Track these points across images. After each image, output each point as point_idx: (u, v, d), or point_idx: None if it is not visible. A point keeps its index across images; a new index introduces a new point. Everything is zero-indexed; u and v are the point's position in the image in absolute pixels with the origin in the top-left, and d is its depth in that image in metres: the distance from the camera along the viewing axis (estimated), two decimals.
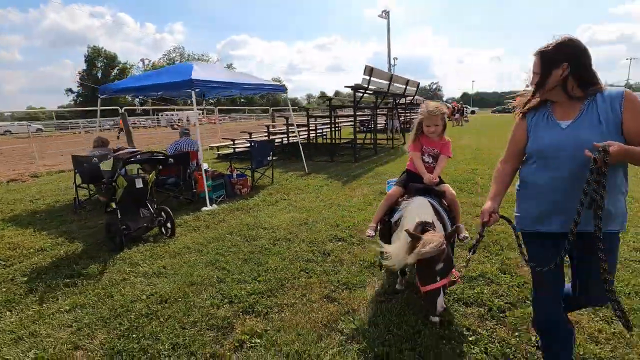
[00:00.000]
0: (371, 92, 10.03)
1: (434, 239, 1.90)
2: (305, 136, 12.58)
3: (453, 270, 2.01)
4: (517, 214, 1.84)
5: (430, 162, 2.76)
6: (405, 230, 2.04)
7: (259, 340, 2.34)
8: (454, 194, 2.65)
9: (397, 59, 53.22)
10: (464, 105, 32.30)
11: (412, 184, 2.66)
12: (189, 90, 5.90)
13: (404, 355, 2.12)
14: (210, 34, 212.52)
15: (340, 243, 3.98)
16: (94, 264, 3.61)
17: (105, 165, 4.25)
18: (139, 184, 4.25)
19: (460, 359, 2.12)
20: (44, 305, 2.88)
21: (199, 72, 6.07)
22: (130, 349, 2.28)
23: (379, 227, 2.84)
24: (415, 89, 13.82)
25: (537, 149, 1.67)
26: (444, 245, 1.91)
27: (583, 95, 1.59)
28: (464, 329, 2.40)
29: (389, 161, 9.85)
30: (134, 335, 2.42)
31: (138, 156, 4.34)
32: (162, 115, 36.65)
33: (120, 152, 4.70)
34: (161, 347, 2.29)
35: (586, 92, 1.58)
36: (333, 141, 10.80)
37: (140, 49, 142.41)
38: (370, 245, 3.66)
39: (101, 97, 7.19)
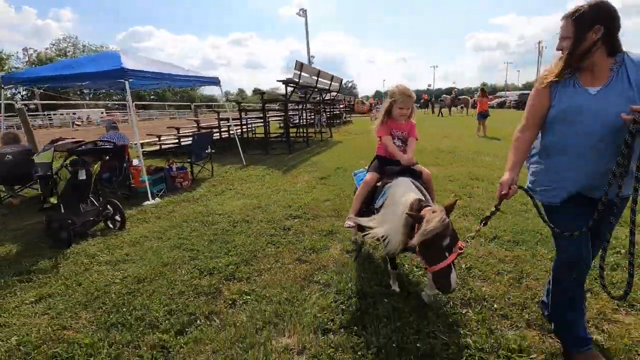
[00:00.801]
0: (301, 86, 10.52)
1: (435, 214, 1.83)
2: (239, 131, 12.54)
3: (458, 242, 1.87)
4: (543, 187, 1.80)
5: (400, 145, 2.69)
6: (407, 214, 1.95)
7: (249, 297, 2.63)
8: (429, 173, 2.62)
9: (314, 57, 54.94)
10: (380, 102, 35.04)
11: (389, 167, 2.57)
12: (122, 81, 5.62)
13: (373, 289, 2.63)
14: (107, 24, 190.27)
15: (296, 220, 4.37)
16: (42, 260, 3.39)
17: (44, 157, 3.93)
18: (82, 175, 4.04)
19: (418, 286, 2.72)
20: (3, 300, 2.70)
21: (127, 62, 5.80)
22: (124, 321, 2.37)
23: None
24: (338, 84, 14.75)
25: (565, 115, 1.64)
26: (447, 219, 1.84)
27: (612, 61, 1.58)
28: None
29: (321, 152, 10.47)
30: (124, 309, 2.50)
31: (83, 146, 4.10)
32: (55, 114, 32.03)
33: (61, 142, 4.33)
34: (157, 314, 2.42)
35: (614, 57, 1.58)
36: (267, 135, 11.02)
37: (17, 36, 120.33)
38: (356, 234, 3.37)
39: (5, 88, 6.31)
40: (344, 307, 2.44)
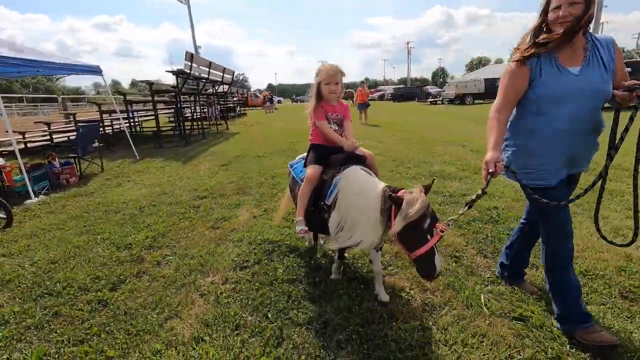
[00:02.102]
0: (193, 78, 10.44)
1: (416, 196, 1.74)
2: (126, 125, 11.67)
3: (437, 224, 1.75)
4: (530, 170, 1.79)
5: (336, 129, 2.45)
6: (388, 196, 1.83)
7: (172, 257, 3.03)
8: (372, 154, 2.43)
9: (200, 47, 52.20)
10: (272, 95, 35.76)
11: (334, 156, 2.31)
12: None
13: (278, 237, 3.32)
14: None
15: (204, 199, 4.75)
16: None
17: None
18: None
19: None
20: None
21: None
22: (51, 291, 2.53)
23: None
24: (231, 77, 14.87)
25: (551, 96, 1.63)
26: (427, 200, 1.75)
27: (584, 41, 1.62)
28: None
29: (218, 143, 10.63)
30: (47, 283, 2.63)
31: None
32: None
33: None
34: (83, 281, 2.65)
35: (585, 37, 1.62)
36: (159, 128, 10.59)
37: None
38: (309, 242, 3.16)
39: None
40: (255, 251, 3.06)
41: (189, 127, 11.46)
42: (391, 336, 1.93)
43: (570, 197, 1.82)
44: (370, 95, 36.10)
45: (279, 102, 45.77)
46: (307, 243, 3.19)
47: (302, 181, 2.41)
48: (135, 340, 2.00)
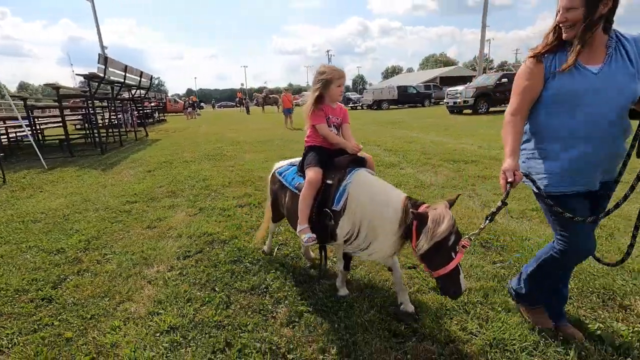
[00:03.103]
0: (107, 82, 9.86)
1: (442, 213, 1.66)
2: (23, 133, 10.45)
3: (461, 239, 1.70)
4: (547, 174, 1.66)
5: (336, 133, 2.36)
6: (412, 213, 1.73)
7: (112, 255, 3.15)
8: (372, 157, 2.35)
9: (107, 48, 47.84)
10: (195, 100, 34.45)
11: (339, 159, 2.22)
12: None
13: (216, 229, 3.63)
14: None
15: (135, 204, 4.76)
16: None
17: None
18: None
19: None
20: None
21: None
22: None
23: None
24: (148, 81, 14.20)
25: (567, 96, 1.54)
26: (452, 216, 1.68)
27: (606, 38, 1.51)
28: None
29: (140, 150, 10.18)
30: None
31: None
32: None
33: None
34: (19, 284, 2.65)
35: (607, 34, 1.52)
36: (67, 136, 9.71)
37: None
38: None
39: None
40: (196, 242, 3.34)
41: (104, 134, 10.72)
42: (319, 289, 2.45)
43: (599, 215, 1.66)
44: (295, 101, 37.13)
45: (200, 107, 44.03)
46: (304, 258, 2.91)
47: (295, 188, 2.31)
48: (92, 322, 2.19)
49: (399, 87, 28.70)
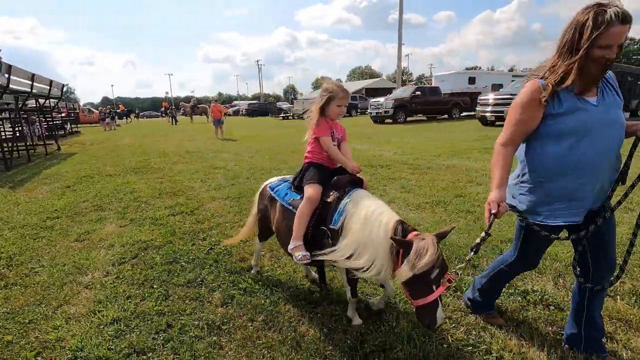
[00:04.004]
0: (11, 92, 9.01)
1: (427, 245, 1.64)
2: None
3: (446, 273, 1.71)
4: (543, 208, 1.70)
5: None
6: (392, 239, 1.76)
7: (40, 269, 3.18)
8: (366, 181, 2.36)
9: (0, 49, 42.29)
10: (112, 110, 31.96)
11: (338, 178, 2.20)
12: None
13: (148, 237, 3.82)
14: None
15: (58, 219, 4.63)
16: None
17: None
18: None
19: None
20: None
21: None
22: None
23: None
24: (59, 90, 13.12)
25: (573, 128, 1.56)
26: (439, 249, 1.68)
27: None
28: None
29: (53, 165, 9.42)
30: None
31: None
32: None
33: None
34: None
35: None
36: None
37: None
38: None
39: None
40: (131, 249, 3.52)
41: (7, 149, 9.68)
42: (249, 276, 2.88)
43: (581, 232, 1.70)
44: (226, 111, 36.47)
45: (128, 117, 40.35)
46: (305, 272, 2.91)
47: (289, 204, 2.30)
48: (31, 326, 2.33)
49: None
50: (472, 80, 22.23)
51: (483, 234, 1.69)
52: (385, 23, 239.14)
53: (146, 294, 2.66)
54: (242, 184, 6.20)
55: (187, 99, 59.98)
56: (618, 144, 1.59)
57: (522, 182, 1.77)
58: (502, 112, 13.63)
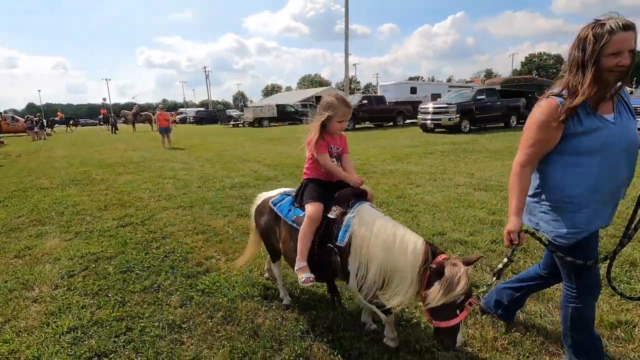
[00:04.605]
0: None
1: (458, 270, 1.63)
2: None
3: (470, 298, 1.69)
4: (565, 229, 1.65)
5: (336, 164, 2.27)
6: (431, 267, 1.69)
7: None
8: (372, 192, 2.30)
9: None
10: (60, 117, 29.23)
11: (341, 192, 2.12)
12: None
13: (97, 248, 3.76)
14: None
15: None
16: None
17: None
18: None
19: None
20: None
21: None
22: None
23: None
24: None
25: (593, 146, 1.55)
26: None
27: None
28: None
29: None
30: None
31: None
32: None
33: None
34: None
35: None
36: None
37: None
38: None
39: None
40: (80, 262, 3.46)
41: None
42: (206, 278, 3.02)
43: (604, 255, 1.75)
44: (175, 119, 34.91)
45: (69, 125, 36.40)
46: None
47: (293, 221, 2.20)
48: None
49: (278, 106, 30.37)
50: (413, 90, 23.86)
51: (505, 259, 1.75)
52: (333, 33, 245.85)
53: (102, 303, 2.70)
54: (194, 193, 6.21)
55: (129, 106, 56.51)
56: (634, 160, 1.61)
57: (541, 200, 1.73)
58: (439, 120, 14.96)
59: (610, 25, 1.44)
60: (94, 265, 3.38)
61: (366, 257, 1.87)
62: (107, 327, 2.40)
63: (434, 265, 1.68)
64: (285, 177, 7.37)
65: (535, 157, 1.66)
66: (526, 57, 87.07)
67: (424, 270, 1.74)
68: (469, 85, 26.09)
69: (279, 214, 2.34)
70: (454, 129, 14.85)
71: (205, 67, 76.46)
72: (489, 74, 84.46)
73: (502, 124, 16.60)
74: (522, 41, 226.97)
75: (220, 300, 2.70)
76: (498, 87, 17.99)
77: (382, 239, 1.84)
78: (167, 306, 2.65)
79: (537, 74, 66.49)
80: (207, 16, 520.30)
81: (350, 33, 29.44)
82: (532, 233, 1.76)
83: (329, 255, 2.02)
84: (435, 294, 1.62)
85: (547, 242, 1.75)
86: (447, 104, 15.20)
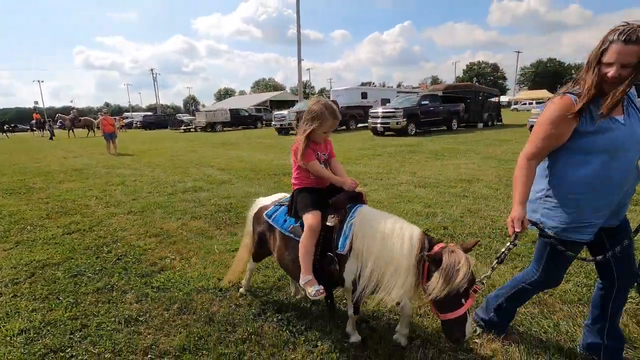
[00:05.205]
0: None
1: (459, 259, 1.60)
2: None
3: (474, 284, 1.69)
4: (570, 224, 1.68)
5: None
6: (427, 256, 1.69)
7: None
8: (364, 191, 2.27)
9: None
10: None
11: (337, 198, 2.07)
12: None
13: (55, 253, 3.68)
14: None
15: None
16: None
17: None
18: None
19: None
20: None
21: None
22: None
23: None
24: None
25: (603, 145, 1.58)
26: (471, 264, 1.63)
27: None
28: None
29: None
30: None
31: None
32: None
33: None
34: None
35: None
36: None
37: None
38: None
39: None
40: (25, 269, 3.37)
41: None
42: (162, 276, 3.13)
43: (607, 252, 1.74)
44: (122, 123, 32.88)
45: (9, 129, 32.17)
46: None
47: (290, 232, 2.18)
48: None
49: (231, 110, 29.96)
50: (364, 95, 24.76)
51: (509, 244, 1.74)
52: (286, 37, 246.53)
53: (53, 305, 2.72)
54: (145, 198, 6.14)
55: (66, 110, 52.20)
56: (636, 160, 1.64)
57: (547, 196, 1.75)
58: (388, 123, 15.83)
59: (615, 34, 1.45)
60: (40, 272, 3.33)
61: (366, 254, 1.87)
62: (62, 326, 2.45)
63: (429, 254, 1.68)
64: (240, 180, 7.50)
65: (544, 151, 1.68)
66: (467, 65, 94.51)
67: (422, 260, 1.73)
68: (415, 91, 27.70)
69: (274, 225, 2.33)
70: (402, 132, 15.81)
71: (152, 70, 73.03)
72: (434, 80, 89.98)
73: (444, 127, 17.95)
74: (464, 50, 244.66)
75: (176, 294, 2.84)
76: (440, 93, 19.34)
77: (380, 230, 1.86)
78: (123, 303, 2.75)
79: (477, 81, 72.34)
80: (153, 16, 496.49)
81: (303, 38, 29.99)
82: (534, 222, 1.79)
83: (329, 264, 2.00)
84: (436, 284, 1.60)
85: (545, 233, 1.76)
86: (395, 108, 16.13)
